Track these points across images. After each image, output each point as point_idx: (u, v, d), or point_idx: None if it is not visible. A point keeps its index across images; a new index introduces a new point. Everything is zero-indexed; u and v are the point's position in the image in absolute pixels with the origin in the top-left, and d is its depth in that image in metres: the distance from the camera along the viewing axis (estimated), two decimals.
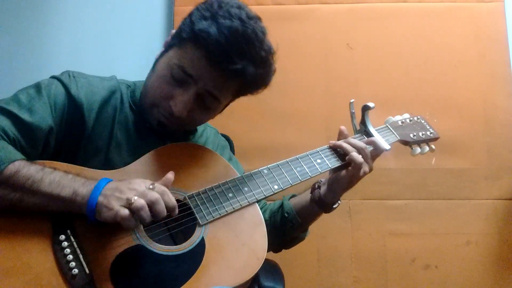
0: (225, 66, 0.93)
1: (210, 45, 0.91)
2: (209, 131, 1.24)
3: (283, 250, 1.25)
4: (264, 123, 1.89)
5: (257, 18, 0.98)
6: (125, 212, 0.80)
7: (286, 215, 1.16)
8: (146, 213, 0.81)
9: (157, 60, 1.04)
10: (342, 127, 1.14)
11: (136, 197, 0.81)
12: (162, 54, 1.03)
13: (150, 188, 0.85)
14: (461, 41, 1.89)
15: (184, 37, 0.96)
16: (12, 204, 0.82)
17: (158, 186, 0.86)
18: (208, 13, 0.94)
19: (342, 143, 1.09)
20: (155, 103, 1.00)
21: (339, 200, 1.13)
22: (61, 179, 0.84)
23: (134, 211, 0.81)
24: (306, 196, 1.16)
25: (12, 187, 0.81)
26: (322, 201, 1.11)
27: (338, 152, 1.10)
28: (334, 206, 1.13)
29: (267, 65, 1.00)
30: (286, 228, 1.16)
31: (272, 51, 1.00)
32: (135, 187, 0.84)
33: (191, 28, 0.95)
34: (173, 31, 1.03)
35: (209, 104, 1.01)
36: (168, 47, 1.02)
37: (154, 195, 0.83)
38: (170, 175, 0.92)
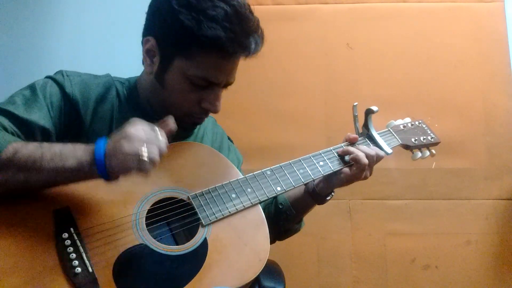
0: (241, 53, 0.95)
1: (224, 45, 0.91)
2: (207, 120, 1.23)
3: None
4: (264, 123, 1.89)
5: None
6: (146, 166, 0.80)
7: (280, 206, 1.17)
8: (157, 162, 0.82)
9: (161, 75, 1.00)
10: (355, 136, 1.13)
11: (146, 149, 0.80)
12: (165, 68, 0.99)
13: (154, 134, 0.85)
14: (461, 41, 1.89)
15: (189, 46, 0.94)
16: (19, 186, 0.81)
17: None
18: (194, 13, 0.91)
19: (350, 148, 1.09)
20: (187, 113, 1.02)
21: (332, 192, 1.14)
22: (62, 150, 0.83)
23: (150, 163, 0.81)
24: (300, 188, 1.15)
25: (15, 167, 0.80)
26: (316, 193, 1.12)
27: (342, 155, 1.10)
28: (328, 198, 1.14)
29: (259, 23, 0.99)
30: (280, 219, 1.17)
31: (249, 6, 0.98)
32: (136, 135, 0.82)
33: (191, 35, 0.91)
34: (151, 38, 0.99)
35: (227, 87, 1.04)
36: (166, 58, 0.98)
37: (163, 144, 0.84)
38: (172, 125, 0.92)
